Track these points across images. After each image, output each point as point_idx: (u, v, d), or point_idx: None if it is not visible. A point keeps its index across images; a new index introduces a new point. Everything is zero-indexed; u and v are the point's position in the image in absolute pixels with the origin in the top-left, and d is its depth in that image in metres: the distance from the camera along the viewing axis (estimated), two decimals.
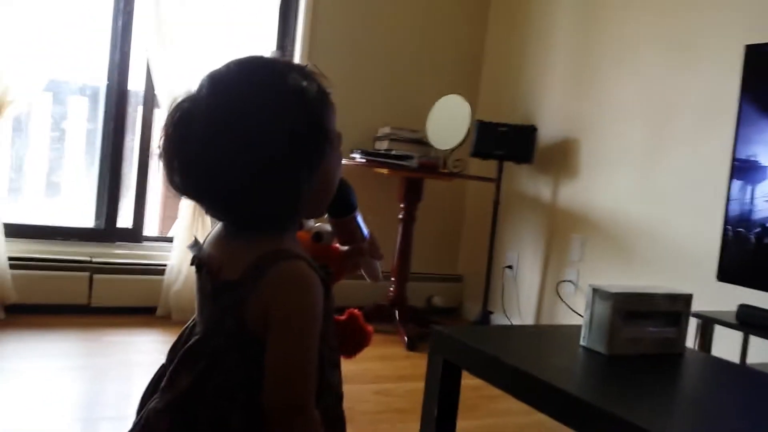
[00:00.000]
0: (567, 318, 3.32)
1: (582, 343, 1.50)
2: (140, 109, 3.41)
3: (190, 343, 0.93)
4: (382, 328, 3.45)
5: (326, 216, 1.08)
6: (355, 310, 1.14)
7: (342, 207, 1.05)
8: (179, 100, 0.89)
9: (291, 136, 0.86)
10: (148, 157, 3.42)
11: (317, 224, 1.10)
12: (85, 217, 3.35)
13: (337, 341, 1.07)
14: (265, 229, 0.91)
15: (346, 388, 2.59)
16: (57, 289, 3.06)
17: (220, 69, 0.90)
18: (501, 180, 3.55)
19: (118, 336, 2.94)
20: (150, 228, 3.72)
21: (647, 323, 1.51)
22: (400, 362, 3.02)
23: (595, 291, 1.49)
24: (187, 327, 0.99)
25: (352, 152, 3.47)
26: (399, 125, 3.67)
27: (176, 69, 3.16)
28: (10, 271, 2.92)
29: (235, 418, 0.87)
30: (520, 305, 3.64)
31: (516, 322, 3.62)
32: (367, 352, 3.22)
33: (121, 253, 3.28)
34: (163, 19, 3.13)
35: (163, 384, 0.92)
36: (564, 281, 3.38)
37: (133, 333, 3.00)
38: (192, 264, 0.94)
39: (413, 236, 3.51)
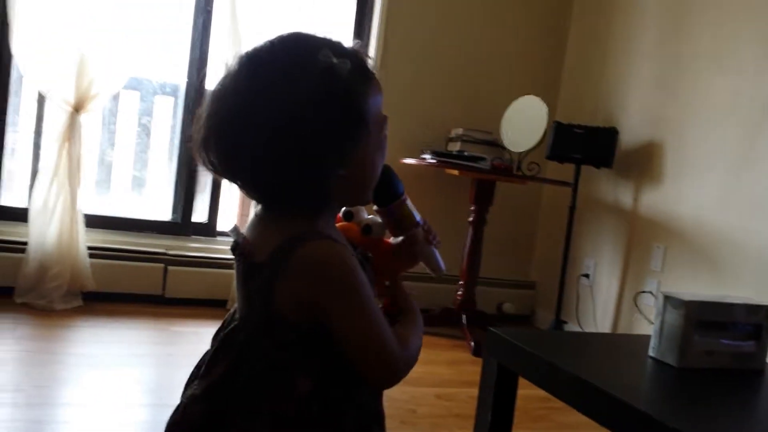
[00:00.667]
0: (646, 330, 3.15)
1: (651, 353, 1.40)
2: None
3: (227, 329, 0.92)
4: (449, 332, 3.39)
5: (373, 207, 1.04)
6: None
7: (386, 194, 0.98)
8: (221, 77, 0.88)
9: (317, 117, 0.82)
10: None
11: (370, 216, 1.04)
12: (163, 211, 3.45)
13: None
14: (296, 213, 0.88)
15: (410, 390, 2.57)
16: (133, 279, 3.15)
17: (256, 45, 0.88)
18: (578, 184, 3.42)
19: (188, 327, 3.00)
20: (225, 223, 3.80)
21: (723, 335, 1.39)
22: (466, 367, 2.95)
23: (667, 298, 1.38)
24: (229, 314, 0.97)
25: (422, 152, 3.42)
26: (473, 126, 3.60)
27: None
28: (89, 260, 3.03)
29: (266, 406, 0.85)
30: (596, 316, 3.50)
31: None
32: (432, 356, 3.18)
33: (195, 247, 3.35)
34: (239, 19, 3.18)
35: (201, 371, 0.91)
36: (643, 292, 3.21)
37: (203, 324, 3.06)
38: (231, 249, 0.92)
39: (483, 240, 3.43)
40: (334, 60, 0.83)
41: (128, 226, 3.30)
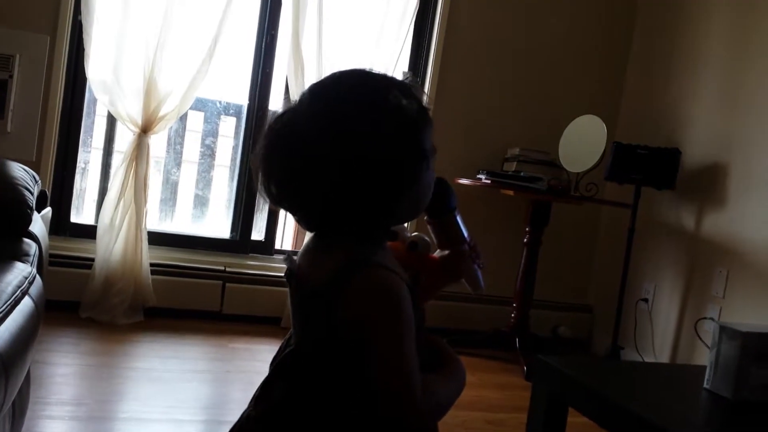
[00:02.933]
0: (706, 359, 3.05)
1: (706, 386, 1.37)
2: None
3: (284, 354, 0.94)
4: (502, 355, 3.36)
5: (425, 217, 1.06)
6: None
7: (439, 207, 1.01)
8: (281, 111, 0.91)
9: (387, 154, 0.86)
10: None
11: (414, 233, 1.07)
12: (223, 229, 3.54)
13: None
14: (351, 239, 0.90)
15: (461, 414, 2.56)
16: (192, 296, 3.24)
17: (322, 81, 0.92)
18: (638, 206, 3.34)
19: (244, 343, 3.06)
20: (284, 242, 3.87)
21: None
22: (517, 392, 2.91)
23: (723, 329, 1.35)
24: (285, 339, 1.00)
25: (478, 173, 3.42)
26: (530, 146, 3.58)
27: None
28: (151, 277, 3.13)
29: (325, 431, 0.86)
30: (655, 342, 3.40)
31: (649, 359, 3.38)
32: (484, 380, 3.14)
33: (253, 264, 3.42)
34: (302, 42, 3.25)
35: (257, 394, 0.94)
36: (704, 318, 3.11)
37: (258, 341, 3.11)
38: (284, 276, 0.95)
39: (539, 262, 3.39)
40: (404, 101, 0.87)
41: (189, 243, 3.40)
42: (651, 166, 3.24)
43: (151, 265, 3.16)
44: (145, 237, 3.12)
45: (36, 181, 1.80)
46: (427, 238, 1.04)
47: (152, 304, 3.15)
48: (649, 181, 3.27)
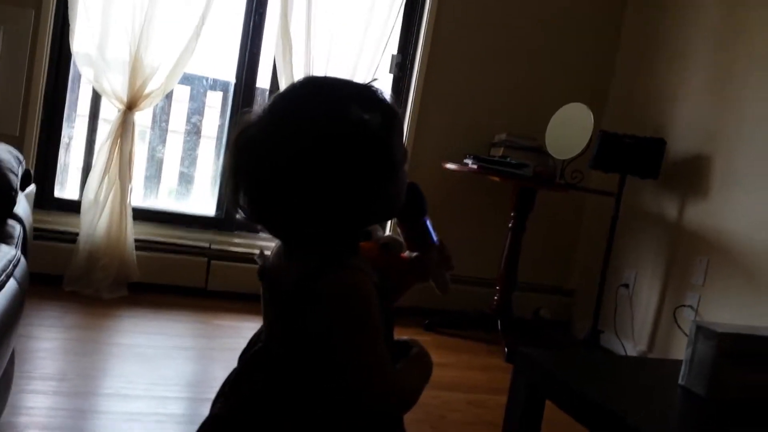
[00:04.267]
0: (683, 345, 3.11)
1: (681, 382, 1.40)
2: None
3: (253, 350, 0.96)
4: (484, 337, 3.40)
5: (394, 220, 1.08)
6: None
7: (410, 212, 1.03)
8: (243, 125, 0.91)
9: (351, 170, 0.86)
10: None
11: (387, 234, 1.09)
12: (208, 207, 3.53)
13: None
14: (322, 243, 0.91)
15: (442, 395, 2.59)
16: (177, 272, 3.24)
17: (282, 95, 0.92)
18: (622, 195, 3.38)
19: (228, 320, 3.08)
20: None
21: (756, 368, 1.38)
22: (498, 374, 2.96)
23: (699, 328, 1.38)
24: (256, 334, 1.01)
25: (465, 157, 3.43)
26: (517, 132, 3.59)
27: (299, 69, 3.26)
28: (135, 252, 3.13)
29: (289, 429, 0.88)
30: (634, 327, 3.46)
31: (628, 344, 3.44)
32: (466, 361, 3.18)
33: (238, 242, 3.43)
34: (289, 20, 3.23)
35: (223, 391, 0.95)
36: (683, 306, 3.17)
37: (243, 318, 3.13)
38: (258, 273, 0.96)
39: (522, 246, 3.42)
40: (365, 116, 0.87)
41: (174, 220, 3.39)
42: (636, 156, 3.27)
43: (136, 240, 3.16)
44: (129, 213, 3.11)
45: (20, 162, 1.78)
46: (399, 239, 1.05)
47: (136, 280, 3.15)
48: (634, 171, 3.30)
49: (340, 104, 0.88)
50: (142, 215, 3.28)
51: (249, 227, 3.53)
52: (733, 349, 1.34)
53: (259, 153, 0.88)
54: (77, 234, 3.07)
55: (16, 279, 1.51)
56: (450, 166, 3.43)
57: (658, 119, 3.51)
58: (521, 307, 3.75)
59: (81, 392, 2.08)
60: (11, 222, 1.63)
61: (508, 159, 3.44)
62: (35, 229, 2.95)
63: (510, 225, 3.40)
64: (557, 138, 3.46)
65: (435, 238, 1.07)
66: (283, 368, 0.91)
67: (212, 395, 0.96)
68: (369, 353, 0.87)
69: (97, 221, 3.06)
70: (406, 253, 1.06)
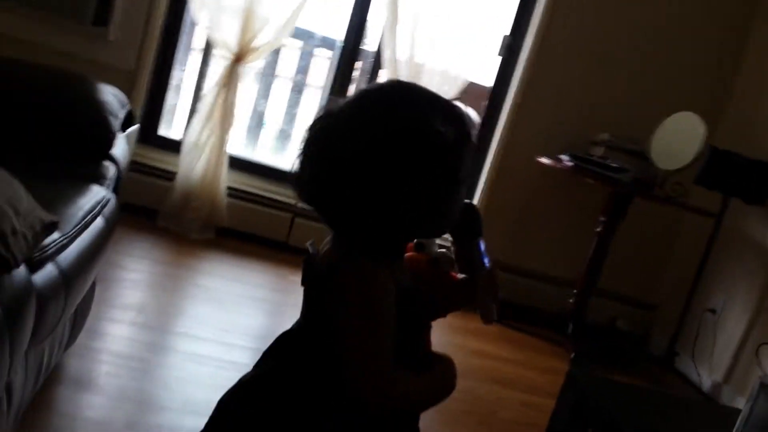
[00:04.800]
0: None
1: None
2: (367, 68, 3.56)
3: (285, 331, 0.99)
4: (552, 337, 3.34)
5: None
6: (449, 357, 1.08)
7: (465, 231, 1.02)
8: (328, 109, 0.93)
9: (410, 175, 0.87)
10: None
11: (441, 249, 1.07)
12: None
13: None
14: (363, 243, 0.93)
15: (498, 391, 2.57)
16: (262, 223, 3.35)
17: (370, 90, 0.93)
18: (723, 216, 3.20)
19: None
20: None
21: None
22: (559, 378, 2.84)
23: (763, 386, 1.31)
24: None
25: (561, 152, 3.33)
26: (621, 133, 3.45)
27: (404, 43, 3.25)
28: (226, 199, 3.26)
29: (298, 409, 0.91)
30: (714, 356, 3.30)
31: (703, 371, 3.30)
32: (529, 359, 3.14)
33: None
34: None
35: (259, 359, 1.00)
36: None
37: None
38: (304, 261, 0.98)
39: (608, 253, 3.31)
40: (443, 128, 0.87)
41: (267, 173, 3.49)
42: (745, 178, 3.08)
43: (228, 188, 3.28)
44: (226, 160, 3.23)
45: (124, 105, 1.88)
46: (451, 256, 1.04)
47: (224, 225, 3.28)
48: (740, 193, 3.12)
49: (422, 113, 0.88)
50: (238, 164, 3.40)
51: None
52: None
53: (332, 139, 0.90)
54: (175, 173, 3.22)
55: (104, 217, 1.62)
56: (543, 160, 3.34)
57: None
58: (597, 313, 3.66)
59: (154, 327, 2.22)
60: (107, 164, 1.73)
61: (608, 161, 3.33)
62: (137, 164, 3.14)
63: (598, 229, 3.29)
64: (664, 146, 3.30)
65: (487, 262, 1.04)
66: (308, 347, 0.94)
67: None
68: (367, 344, 0.88)
69: (195, 164, 3.20)
70: (456, 273, 1.05)
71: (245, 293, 2.77)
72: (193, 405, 1.80)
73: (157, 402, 1.77)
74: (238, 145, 3.56)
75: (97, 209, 1.52)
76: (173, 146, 3.34)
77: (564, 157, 3.27)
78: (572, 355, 3.11)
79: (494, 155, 3.56)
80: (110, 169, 1.73)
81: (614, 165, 3.26)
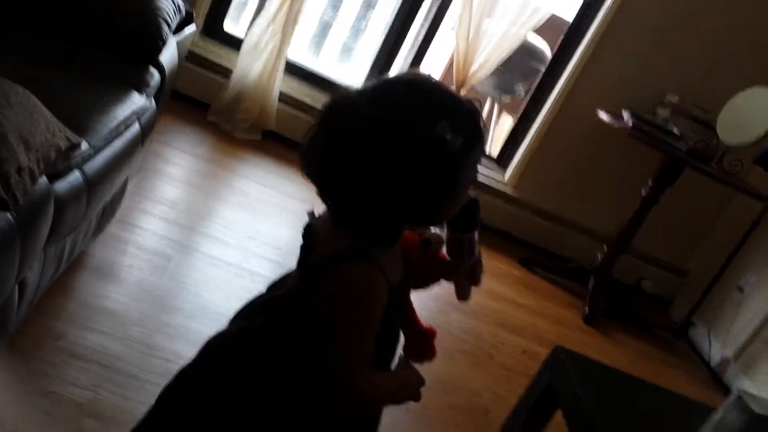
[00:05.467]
0: (764, 375, 2.95)
1: None
2: None
3: (278, 292, 1.04)
4: (575, 289, 3.36)
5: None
6: (433, 328, 1.15)
7: (463, 224, 1.04)
8: (343, 93, 0.95)
9: (419, 180, 0.89)
10: (431, 40, 3.51)
11: (434, 231, 1.10)
12: (358, 79, 3.60)
13: (407, 344, 1.13)
14: (362, 231, 0.96)
15: (501, 335, 2.63)
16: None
17: (388, 83, 0.95)
18: None
19: None
20: None
21: None
22: (568, 331, 2.96)
23: (738, 399, 1.32)
24: (286, 273, 1.10)
25: (626, 108, 3.23)
26: (692, 99, 3.32)
27: None
28: (277, 104, 3.29)
29: (277, 374, 0.98)
30: (730, 333, 3.28)
31: (716, 344, 3.28)
32: (543, 308, 3.18)
33: None
34: None
35: (242, 313, 1.06)
36: None
37: None
38: (303, 229, 1.03)
39: (648, 217, 3.25)
40: (448, 136, 0.89)
41: (322, 84, 3.50)
42: None
43: (281, 93, 3.31)
44: (282, 66, 3.25)
45: (179, 11, 1.90)
46: (442, 237, 1.07)
47: (272, 129, 3.34)
48: None
49: (432, 116, 0.90)
50: (294, 70, 3.41)
51: None
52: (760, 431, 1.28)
53: (345, 125, 0.92)
54: (231, 71, 3.26)
55: (140, 123, 1.68)
56: (603, 116, 3.24)
57: None
58: (626, 273, 3.64)
59: (183, 224, 2.33)
60: (152, 70, 1.78)
61: (670, 125, 3.22)
62: (197, 55, 3.18)
63: (644, 192, 3.22)
64: (732, 119, 3.17)
65: (476, 252, 1.08)
66: (294, 322, 0.99)
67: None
68: (351, 347, 0.92)
69: (252, 65, 3.22)
70: (443, 251, 1.08)
71: (278, 202, 2.85)
72: (203, 309, 1.91)
73: (171, 302, 1.88)
74: (299, 52, 3.56)
75: (131, 119, 1.58)
76: (235, 43, 3.36)
77: (626, 114, 3.17)
78: (586, 310, 3.13)
79: (558, 95, 3.47)
80: (155, 76, 1.78)
81: (674, 131, 3.16)
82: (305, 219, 1.03)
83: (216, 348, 1.04)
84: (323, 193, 0.97)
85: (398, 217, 0.95)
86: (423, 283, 1.09)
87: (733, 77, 3.27)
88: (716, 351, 3.27)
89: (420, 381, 1.05)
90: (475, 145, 0.94)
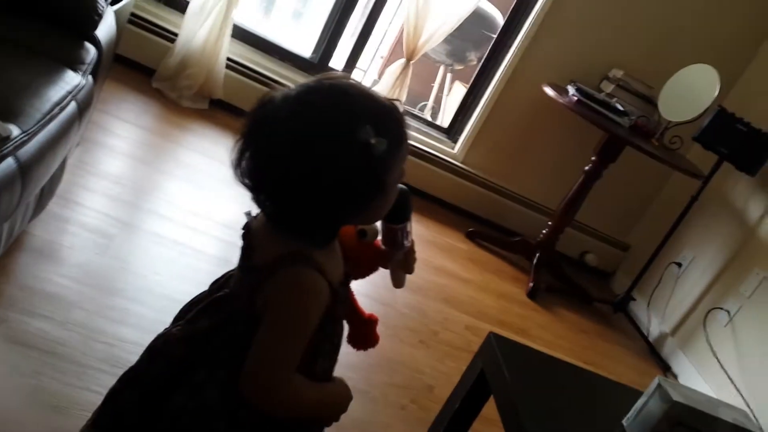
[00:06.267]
0: (699, 350, 3.10)
1: (624, 423, 1.44)
2: None
3: (220, 294, 1.05)
4: (519, 263, 3.43)
5: None
6: (375, 316, 1.19)
7: (395, 215, 1.07)
8: (270, 97, 0.94)
9: (345, 183, 0.91)
10: (382, 6, 3.47)
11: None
12: (307, 48, 3.55)
13: (351, 333, 1.17)
14: (299, 232, 0.97)
15: (446, 311, 2.68)
16: (256, 99, 3.32)
17: (312, 88, 0.94)
18: (711, 178, 3.19)
19: None
20: (366, 76, 3.85)
21: None
22: (512, 306, 3.03)
23: (659, 387, 1.39)
24: (226, 274, 1.10)
25: (570, 83, 3.27)
26: (635, 75, 3.38)
27: None
28: (224, 70, 3.23)
29: (223, 373, 0.99)
30: (667, 309, 3.41)
31: (655, 320, 3.42)
32: (486, 282, 3.23)
33: None
34: None
35: (190, 315, 1.06)
36: (719, 309, 3.09)
37: None
38: (242, 229, 1.03)
39: (592, 191, 3.32)
40: (373, 140, 0.90)
41: (270, 50, 3.43)
42: (742, 145, 3.04)
43: (229, 59, 3.24)
44: (229, 30, 3.17)
45: None
46: (376, 228, 1.10)
47: (219, 97, 3.27)
48: (734, 159, 3.09)
49: (354, 121, 0.90)
50: (242, 35, 3.34)
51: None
52: (679, 419, 1.36)
53: (268, 131, 0.93)
54: (176, 35, 3.17)
55: (77, 102, 1.64)
56: (548, 91, 3.28)
57: None
58: (570, 246, 3.74)
59: (125, 201, 2.28)
60: (87, 46, 1.72)
61: (614, 100, 3.28)
62: (141, 18, 3.08)
63: (586, 168, 3.29)
64: (674, 96, 3.26)
65: (409, 242, 1.11)
66: (235, 324, 1.00)
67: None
68: (279, 349, 0.94)
69: (198, 29, 3.14)
70: (379, 239, 1.11)
71: (224, 176, 2.73)
72: (147, 291, 1.89)
73: (114, 283, 1.86)
74: (247, 16, 3.48)
75: (67, 99, 1.53)
76: (180, 6, 3.25)
77: (571, 88, 3.21)
78: (530, 284, 3.22)
79: (506, 67, 3.49)
80: (90, 52, 1.73)
81: (617, 107, 3.22)
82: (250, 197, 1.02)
83: (160, 350, 1.05)
84: (256, 199, 0.97)
85: (330, 220, 0.98)
86: (361, 273, 1.12)
87: (677, 53, 3.35)
88: (654, 325, 3.41)
89: (348, 396, 1.08)
90: (399, 147, 0.95)
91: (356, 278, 1.13)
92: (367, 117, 0.91)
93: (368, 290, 2.37)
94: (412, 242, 1.14)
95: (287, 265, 0.94)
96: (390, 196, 1.00)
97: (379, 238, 1.13)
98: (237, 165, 0.95)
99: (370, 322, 1.18)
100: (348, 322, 1.18)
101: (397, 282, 1.16)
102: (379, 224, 1.12)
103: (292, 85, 0.96)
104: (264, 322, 0.95)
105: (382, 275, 1.19)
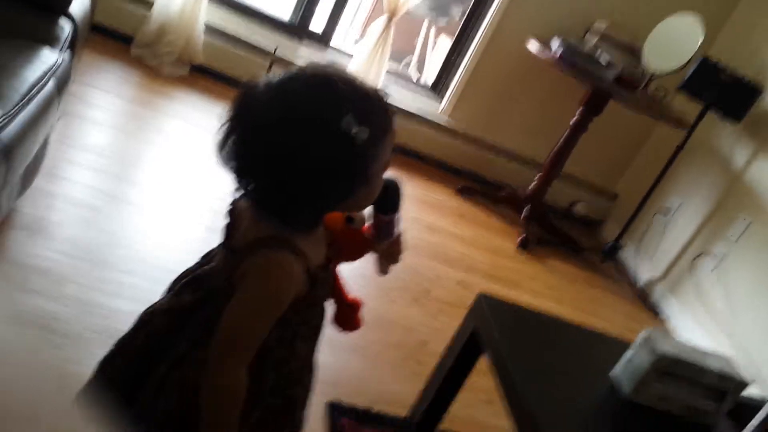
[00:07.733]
0: (688, 295, 3.15)
1: (612, 374, 1.48)
2: None
3: (206, 269, 1.06)
4: (510, 216, 3.45)
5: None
6: (359, 301, 1.20)
7: (384, 206, 1.08)
8: (252, 85, 0.95)
9: (328, 173, 0.91)
10: None
11: None
12: (286, 11, 3.49)
13: (335, 314, 1.17)
14: (281, 218, 0.98)
15: (438, 268, 2.70)
16: (237, 65, 3.27)
17: (294, 76, 0.94)
18: (696, 127, 3.20)
19: None
20: (343, 40, 3.78)
21: (686, 388, 1.44)
22: (503, 260, 3.06)
23: (646, 340, 1.42)
24: (216, 248, 1.11)
25: (554, 37, 3.24)
26: (619, 26, 3.35)
27: None
28: (203, 36, 3.18)
29: (200, 355, 1.01)
30: (655, 255, 3.46)
31: (643, 269, 3.47)
32: (478, 237, 3.25)
33: (304, 53, 3.43)
34: None
35: (176, 288, 1.08)
36: (707, 254, 3.14)
37: None
38: (227, 210, 1.04)
39: (579, 143, 3.33)
40: (354, 130, 0.90)
41: (249, 13, 3.38)
42: (727, 94, 3.05)
43: (207, 25, 3.19)
44: None
45: None
46: (364, 216, 1.11)
47: (199, 62, 3.23)
48: (719, 108, 3.10)
49: (336, 110, 0.90)
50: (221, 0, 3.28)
51: (318, 39, 3.51)
52: (666, 368, 1.40)
53: (249, 122, 0.94)
54: (153, 1, 3.11)
55: (55, 79, 1.62)
56: (532, 48, 3.25)
57: (765, 66, 3.19)
58: (560, 197, 3.77)
59: (110, 173, 2.27)
60: (62, 22, 1.69)
61: (599, 53, 3.26)
62: None
63: (572, 121, 3.29)
64: (659, 45, 3.24)
65: (396, 232, 1.12)
66: (215, 300, 1.01)
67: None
68: (242, 326, 0.96)
69: None
70: (367, 225, 1.12)
71: (209, 144, 2.77)
72: (137, 262, 1.90)
73: (104, 256, 1.87)
74: None
75: (45, 79, 1.51)
76: None
77: (555, 42, 3.19)
78: (520, 237, 3.25)
79: (489, 21, 3.45)
80: (65, 29, 1.70)
81: (600, 60, 3.20)
82: None
83: (145, 321, 1.07)
84: (241, 185, 0.98)
85: (313, 207, 0.98)
86: (347, 257, 1.13)
87: (661, 2, 3.31)
88: (643, 272, 3.46)
89: None
90: (383, 137, 0.95)
91: (342, 261, 1.13)
92: (349, 106, 0.91)
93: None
94: (399, 234, 1.14)
95: (264, 247, 0.96)
96: (374, 186, 1.00)
97: (369, 224, 1.13)
98: (221, 148, 0.96)
99: (353, 305, 1.18)
100: (334, 303, 1.19)
101: (381, 269, 1.16)
102: (369, 211, 1.12)
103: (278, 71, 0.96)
104: (233, 298, 0.96)
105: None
